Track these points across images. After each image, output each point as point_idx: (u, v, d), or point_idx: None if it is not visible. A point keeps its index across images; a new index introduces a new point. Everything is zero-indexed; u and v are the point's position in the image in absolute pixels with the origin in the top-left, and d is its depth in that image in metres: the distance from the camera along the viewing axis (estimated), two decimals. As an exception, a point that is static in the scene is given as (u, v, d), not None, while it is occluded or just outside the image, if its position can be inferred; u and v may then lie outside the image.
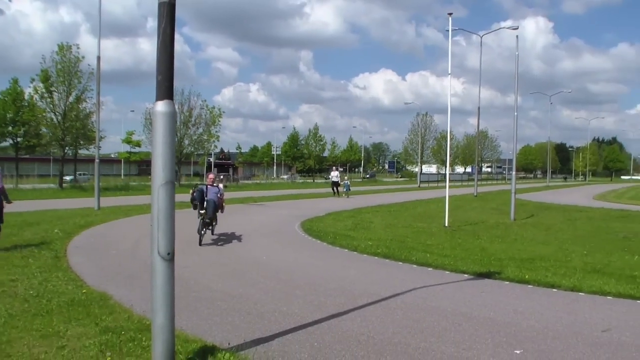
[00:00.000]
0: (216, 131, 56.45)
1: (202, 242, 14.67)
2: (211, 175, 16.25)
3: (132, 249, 13.72)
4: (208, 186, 15.42)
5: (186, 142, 53.24)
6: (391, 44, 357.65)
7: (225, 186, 22.12)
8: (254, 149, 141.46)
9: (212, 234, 15.97)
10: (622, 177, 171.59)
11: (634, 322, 7.88)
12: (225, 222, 18.31)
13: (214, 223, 15.62)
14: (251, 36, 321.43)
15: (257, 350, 6.21)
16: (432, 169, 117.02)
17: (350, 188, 43.21)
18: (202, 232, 14.81)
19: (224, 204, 16.03)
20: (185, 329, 6.81)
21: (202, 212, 14.87)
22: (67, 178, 51.51)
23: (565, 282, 10.22)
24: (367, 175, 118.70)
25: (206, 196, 15.03)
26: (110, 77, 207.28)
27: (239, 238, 16.00)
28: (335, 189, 41.97)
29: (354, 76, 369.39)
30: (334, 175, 42.66)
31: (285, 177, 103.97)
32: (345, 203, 33.47)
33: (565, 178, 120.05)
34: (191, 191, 15.44)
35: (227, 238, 15.91)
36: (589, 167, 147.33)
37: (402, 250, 13.79)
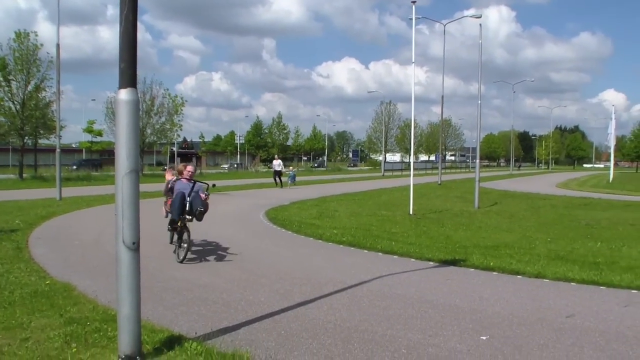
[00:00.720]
0: (179, 120, 56.34)
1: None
2: (191, 168, 11.88)
3: (95, 240, 13.59)
4: (183, 182, 11.44)
5: (148, 131, 52.95)
6: (354, 33, 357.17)
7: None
8: (217, 138, 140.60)
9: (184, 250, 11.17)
10: (584, 165, 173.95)
11: (597, 308, 7.99)
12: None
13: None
14: (213, 24, 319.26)
15: (224, 339, 6.18)
16: (396, 157, 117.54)
17: (296, 179, 40.43)
18: (179, 244, 11.11)
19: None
20: (152, 319, 6.75)
21: (182, 218, 11.04)
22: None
23: (529, 269, 10.33)
24: (316, 165, 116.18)
25: (189, 196, 11.09)
26: (70, 65, 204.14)
27: (203, 228, 15.88)
28: (277, 178, 38.91)
29: (318, 65, 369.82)
30: (276, 164, 40.09)
31: (225, 166, 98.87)
32: (292, 193, 32.41)
33: (519, 166, 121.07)
34: (168, 185, 11.92)
35: (192, 228, 15.78)
36: (552, 156, 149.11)
37: (367, 239, 13.82)
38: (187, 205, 10.99)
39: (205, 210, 11.24)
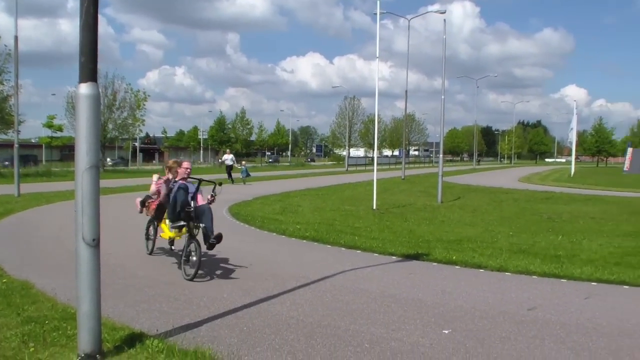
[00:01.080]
0: (141, 115, 55.73)
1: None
2: (188, 164, 10.21)
3: (55, 236, 13.38)
4: (179, 183, 9.73)
5: (110, 126, 52.26)
6: (319, 27, 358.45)
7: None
8: (180, 133, 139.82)
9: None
10: (547, 159, 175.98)
11: (559, 301, 8.07)
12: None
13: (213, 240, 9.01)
14: (176, 18, 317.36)
15: (186, 336, 6.13)
16: (360, 152, 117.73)
17: (250, 173, 37.82)
18: (187, 258, 9.18)
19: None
20: (112, 317, 6.66)
21: (182, 225, 9.54)
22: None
23: (492, 263, 10.40)
24: (270, 160, 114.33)
25: (194, 199, 9.51)
26: (29, 59, 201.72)
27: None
28: (229, 174, 36.70)
29: (282, 60, 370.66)
30: (228, 158, 37.67)
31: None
32: (255, 189, 31.91)
33: (479, 161, 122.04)
34: (169, 185, 9.87)
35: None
36: (515, 150, 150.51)
37: (330, 234, 13.82)
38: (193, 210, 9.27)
39: (219, 240, 9.02)
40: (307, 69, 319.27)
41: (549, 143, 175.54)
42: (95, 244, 5.18)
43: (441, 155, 28.19)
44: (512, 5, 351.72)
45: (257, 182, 37.74)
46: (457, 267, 10.35)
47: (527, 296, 8.30)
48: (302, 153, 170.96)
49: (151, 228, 11.38)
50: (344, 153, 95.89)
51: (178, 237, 10.19)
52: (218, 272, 9.65)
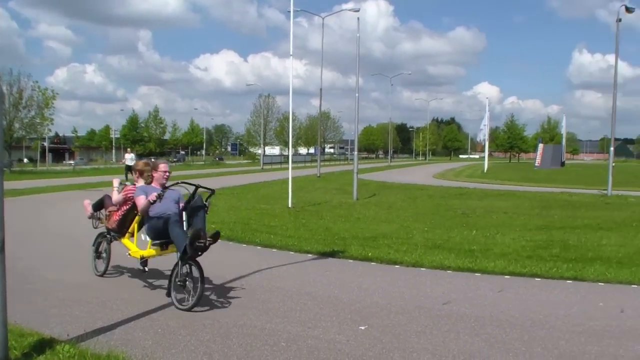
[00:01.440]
0: (50, 114, 54.21)
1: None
2: (165, 167, 8.80)
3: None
4: (155, 187, 8.43)
5: (17, 125, 50.73)
6: (233, 25, 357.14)
7: None
8: (92, 132, 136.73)
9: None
10: (461, 156, 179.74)
11: (473, 294, 8.22)
12: (61, 211, 17.60)
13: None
14: (85, 13, 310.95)
15: (99, 340, 5.97)
16: (275, 150, 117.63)
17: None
18: (183, 283, 7.42)
19: None
20: (20, 323, 6.41)
21: (168, 242, 8.01)
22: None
23: (407, 259, 10.50)
24: (175, 159, 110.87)
25: (184, 210, 8.01)
26: None
27: (78, 226, 15.37)
28: (129, 174, 32.52)
29: (195, 57, 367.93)
30: (128, 158, 36.07)
31: (72, 162, 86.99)
32: None
33: (393, 158, 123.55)
34: (128, 192, 8.75)
35: (66, 226, 15.26)
36: (429, 147, 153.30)
37: (245, 232, 13.74)
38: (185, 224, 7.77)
39: (216, 240, 7.70)
40: (221, 67, 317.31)
41: (462, 140, 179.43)
42: (1, 247, 4.98)
43: (356, 153, 28.31)
44: (426, 5, 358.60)
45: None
46: (373, 263, 10.42)
47: (442, 290, 8.42)
48: (217, 152, 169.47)
49: (104, 244, 9.32)
50: (260, 151, 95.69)
51: (157, 255, 8.30)
52: (131, 274, 9.46)
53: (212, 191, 8.61)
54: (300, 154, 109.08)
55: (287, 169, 23.37)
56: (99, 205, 9.54)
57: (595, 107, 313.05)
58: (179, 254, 7.49)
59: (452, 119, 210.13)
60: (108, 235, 9.24)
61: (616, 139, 39.27)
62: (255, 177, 45.98)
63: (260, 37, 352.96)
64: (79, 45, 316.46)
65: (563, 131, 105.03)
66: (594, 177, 47.44)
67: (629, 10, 30.01)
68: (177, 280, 7.51)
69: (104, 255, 9.34)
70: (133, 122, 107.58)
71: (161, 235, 7.96)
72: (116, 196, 8.95)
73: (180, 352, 5.76)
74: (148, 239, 8.24)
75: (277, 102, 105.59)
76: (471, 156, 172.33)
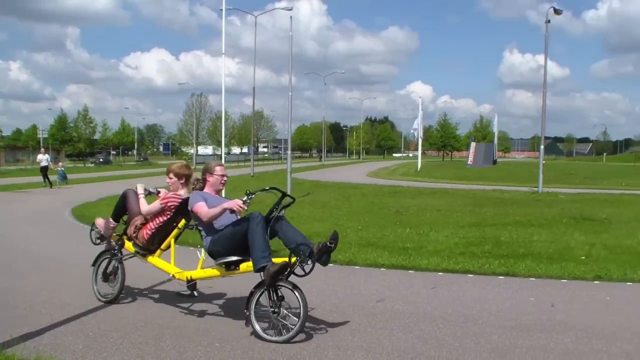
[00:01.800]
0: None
1: None
2: (221, 170, 7.51)
3: None
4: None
5: None
6: (164, 22, 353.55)
7: None
8: (18, 132, 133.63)
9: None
10: (394, 154, 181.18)
11: (406, 291, 8.29)
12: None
13: None
14: (8, 8, 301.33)
15: (26, 346, 5.81)
16: (208, 150, 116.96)
17: (67, 176, 33.72)
18: (277, 313, 6.30)
19: None
20: (-59, 330, 6.22)
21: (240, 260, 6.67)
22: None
23: (341, 257, 10.50)
24: (101, 160, 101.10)
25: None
26: None
27: (4, 229, 14.98)
28: (45, 176, 31.88)
29: (125, 55, 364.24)
30: (43, 159, 32.77)
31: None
32: (101, 189, 29.27)
33: (320, 157, 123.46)
34: (170, 200, 7.41)
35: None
36: (363, 146, 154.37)
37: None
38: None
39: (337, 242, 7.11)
40: (152, 65, 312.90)
41: (396, 138, 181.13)
42: None
43: (289, 152, 28.33)
44: (359, 4, 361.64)
45: (67, 186, 32.93)
46: (307, 262, 10.41)
47: (376, 288, 8.47)
48: (149, 152, 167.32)
49: (113, 263, 7.83)
50: (192, 151, 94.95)
51: (216, 277, 7.15)
52: (61, 276, 9.28)
53: (293, 199, 7.30)
54: (233, 154, 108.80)
55: (221, 168, 23.15)
56: (118, 214, 7.96)
57: (526, 106, 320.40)
58: (261, 266, 6.33)
59: (386, 118, 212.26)
60: (119, 253, 7.76)
61: (546, 138, 40.16)
62: (188, 177, 45.48)
63: (192, 36, 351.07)
64: (2, 41, 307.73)
65: (495, 130, 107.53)
66: (525, 174, 48.36)
67: (557, 12, 30.84)
68: (271, 308, 6.32)
69: (115, 277, 7.74)
70: (62, 121, 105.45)
71: (236, 249, 6.59)
72: (147, 206, 7.52)
73: (112, 355, 5.65)
74: (201, 255, 7.27)
75: (209, 101, 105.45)
76: (405, 154, 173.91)
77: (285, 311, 6.30)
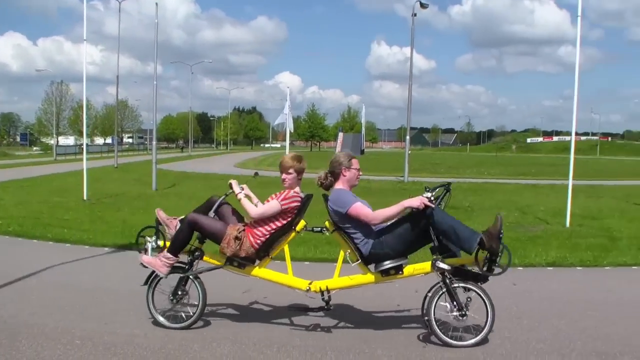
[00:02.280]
0: None
1: None
2: (357, 162, 6.96)
3: None
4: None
5: None
6: (20, 5, 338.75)
7: None
8: None
9: None
10: (263, 145, 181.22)
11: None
12: None
13: None
14: None
15: None
16: (69, 140, 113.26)
17: None
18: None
19: None
20: None
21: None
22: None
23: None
24: None
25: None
26: None
27: None
28: None
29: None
30: None
31: None
32: None
33: (182, 148, 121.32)
34: (291, 200, 6.52)
35: None
36: (231, 136, 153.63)
37: (36, 227, 13.03)
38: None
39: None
40: (6, 50, 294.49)
41: (264, 129, 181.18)
42: None
43: (154, 142, 27.82)
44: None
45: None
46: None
47: (241, 280, 8.40)
48: (5, 142, 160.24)
49: (188, 281, 6.55)
50: (52, 141, 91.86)
51: (375, 283, 6.31)
52: None
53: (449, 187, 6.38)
54: (96, 144, 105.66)
55: (82, 159, 22.51)
56: (182, 247, 6.67)
57: (393, 98, 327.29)
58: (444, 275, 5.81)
59: (254, 108, 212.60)
60: (190, 267, 6.54)
61: (412, 128, 41.31)
62: (47, 168, 43.84)
63: (52, 20, 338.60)
64: None
65: (362, 120, 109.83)
66: (392, 164, 49.52)
67: (423, 5, 31.87)
68: (456, 312, 5.79)
69: (193, 297, 6.48)
70: None
71: (407, 250, 6.10)
72: (258, 209, 6.44)
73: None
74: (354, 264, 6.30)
75: (71, 90, 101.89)
76: (273, 145, 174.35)
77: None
